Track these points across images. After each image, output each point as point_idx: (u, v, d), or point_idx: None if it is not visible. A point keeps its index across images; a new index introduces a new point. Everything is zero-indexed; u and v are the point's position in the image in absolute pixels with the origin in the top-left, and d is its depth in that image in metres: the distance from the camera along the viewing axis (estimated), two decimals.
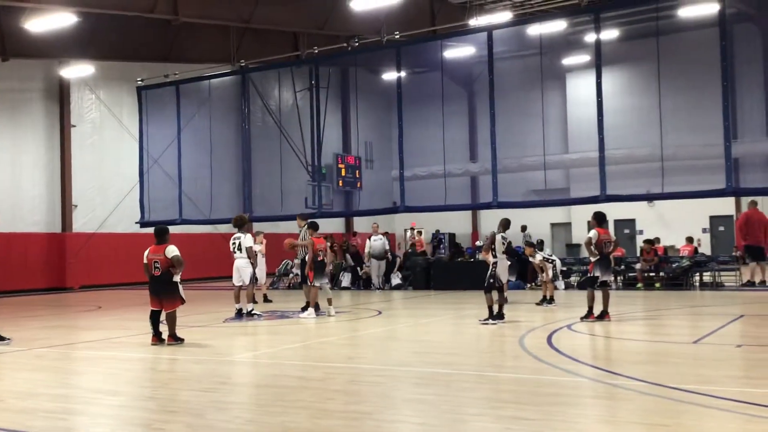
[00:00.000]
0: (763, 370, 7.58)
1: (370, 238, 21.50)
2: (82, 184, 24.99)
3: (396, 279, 21.74)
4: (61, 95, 24.72)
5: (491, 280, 11.76)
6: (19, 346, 10.38)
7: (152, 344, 10.03)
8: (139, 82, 23.21)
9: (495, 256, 11.82)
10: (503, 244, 12.02)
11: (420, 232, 25.03)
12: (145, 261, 10.22)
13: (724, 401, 5.75)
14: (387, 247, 21.69)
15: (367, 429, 5.19)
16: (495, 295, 11.86)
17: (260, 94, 23.62)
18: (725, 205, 28.46)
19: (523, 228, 24.50)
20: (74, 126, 24.94)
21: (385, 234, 22.12)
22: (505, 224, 12.23)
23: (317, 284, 13.47)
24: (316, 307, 13.68)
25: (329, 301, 13.70)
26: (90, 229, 25.12)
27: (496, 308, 11.79)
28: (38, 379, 7.80)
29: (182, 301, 10.23)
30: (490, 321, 11.62)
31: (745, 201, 20.79)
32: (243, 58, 22.58)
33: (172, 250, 10.04)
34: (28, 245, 23.67)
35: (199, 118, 22.68)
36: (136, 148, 23.49)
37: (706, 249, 26.81)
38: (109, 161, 25.74)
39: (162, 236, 10.28)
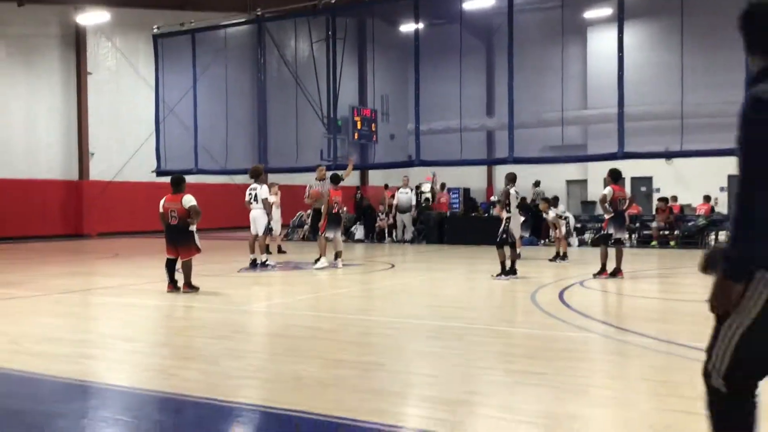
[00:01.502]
0: None
1: (398, 190, 21.64)
2: (99, 132, 25.06)
3: (408, 233, 21.82)
4: (77, 42, 24.64)
5: (504, 235, 11.77)
6: (37, 291, 10.54)
7: (168, 292, 10.16)
8: (155, 30, 23.05)
9: (509, 211, 11.81)
10: (516, 198, 11.99)
11: (443, 186, 24.85)
12: (161, 210, 10.28)
13: None
14: (413, 202, 21.75)
15: (378, 379, 5.25)
16: (507, 250, 11.88)
17: (276, 45, 23.40)
18: None
19: (536, 183, 24.37)
20: (90, 73, 24.91)
21: (416, 188, 22.19)
22: (513, 178, 12.16)
23: (329, 235, 13.60)
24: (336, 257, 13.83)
25: (339, 254, 13.80)
26: (106, 177, 25.28)
27: (508, 264, 11.82)
28: (55, 324, 7.93)
29: (198, 250, 10.32)
30: (503, 276, 11.66)
31: None
32: (259, 7, 22.32)
33: (188, 200, 10.10)
34: (45, 192, 23.88)
35: (214, 67, 22.55)
36: (152, 97, 23.45)
37: (723, 208, 26.61)
38: (125, 110, 25.76)
39: (178, 185, 10.32)
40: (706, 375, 2.66)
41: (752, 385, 2.63)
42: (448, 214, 23.04)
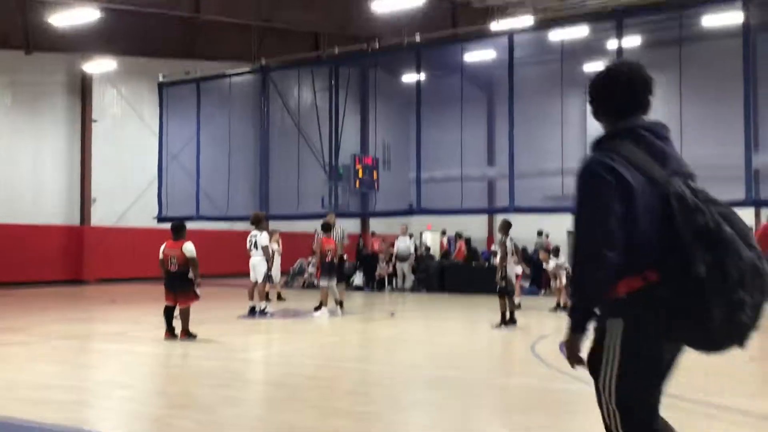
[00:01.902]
0: None
1: (397, 239, 21.70)
2: (102, 178, 25.21)
3: (408, 281, 21.79)
4: (83, 90, 24.96)
5: (503, 283, 11.79)
6: (36, 337, 10.48)
7: (165, 339, 10.10)
8: (161, 79, 23.37)
9: (505, 261, 11.89)
10: (511, 247, 12.16)
11: (460, 236, 24.91)
12: (161, 256, 10.28)
13: (733, 413, 5.70)
14: (412, 250, 21.76)
15: (375, 430, 5.20)
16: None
17: (280, 94, 23.69)
18: (744, 217, 28.14)
19: (539, 233, 24.41)
20: (95, 121, 25.17)
21: (411, 236, 22.27)
22: (506, 227, 12.33)
23: (323, 284, 13.65)
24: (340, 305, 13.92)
25: (340, 303, 13.79)
26: (108, 222, 25.34)
27: (507, 314, 11.79)
28: (52, 370, 7.88)
29: (196, 298, 10.29)
30: (503, 326, 11.60)
31: (765, 213, 20.56)
32: (264, 57, 22.67)
33: (189, 249, 10.10)
34: (47, 237, 23.92)
35: (218, 115, 22.79)
36: (155, 144, 23.64)
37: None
38: (128, 156, 25.94)
39: (179, 232, 10.35)
40: (603, 410, 2.77)
41: (650, 421, 2.75)
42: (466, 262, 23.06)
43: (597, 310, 2.74)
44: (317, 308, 13.74)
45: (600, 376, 2.74)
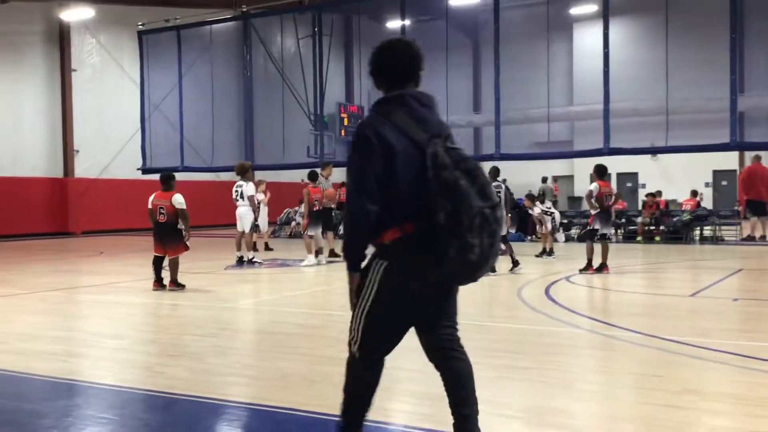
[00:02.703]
0: (758, 323, 7.65)
1: None
2: (84, 130, 24.90)
3: None
4: (61, 39, 24.46)
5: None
6: (22, 289, 10.48)
7: (154, 289, 10.13)
8: (140, 27, 22.91)
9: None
10: (501, 191, 12.24)
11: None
12: (150, 206, 10.23)
13: (718, 353, 5.81)
14: None
15: None
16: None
17: (262, 41, 23.30)
18: (729, 160, 28.37)
19: (544, 179, 24.54)
20: (75, 70, 24.74)
21: None
22: (495, 173, 12.39)
23: (311, 233, 13.67)
24: (316, 254, 13.92)
25: (320, 251, 13.87)
26: (92, 174, 25.13)
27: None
28: (41, 321, 7.89)
29: (186, 248, 10.30)
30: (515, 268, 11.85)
31: (749, 156, 20.69)
32: (245, 4, 22.23)
33: (179, 200, 10.06)
34: (30, 190, 23.72)
35: (200, 64, 22.43)
36: (137, 94, 23.32)
37: (708, 203, 26.82)
38: (110, 107, 25.60)
39: (168, 182, 10.29)
40: (349, 344, 3.30)
41: (381, 353, 3.30)
42: None
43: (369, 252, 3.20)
44: (316, 254, 13.97)
45: (357, 303, 3.22)
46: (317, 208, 13.81)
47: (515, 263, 12.08)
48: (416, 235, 3.08)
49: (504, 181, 12.32)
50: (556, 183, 25.67)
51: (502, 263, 11.93)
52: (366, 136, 3.10)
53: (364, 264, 3.20)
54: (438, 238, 3.01)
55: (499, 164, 22.40)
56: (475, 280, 3.17)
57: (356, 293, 3.22)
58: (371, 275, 3.17)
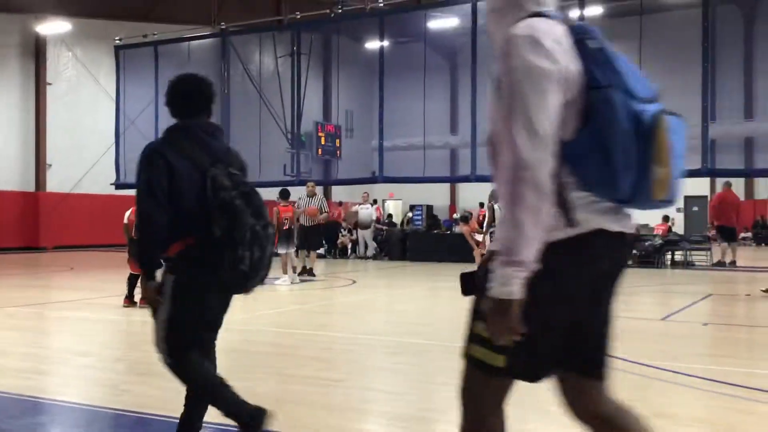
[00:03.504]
0: (727, 348, 7.73)
1: (359, 206, 21.70)
2: (57, 143, 24.66)
3: (370, 249, 21.84)
4: (37, 52, 24.29)
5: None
6: None
7: (124, 306, 10.00)
8: (117, 42, 22.82)
9: (493, 227, 12.18)
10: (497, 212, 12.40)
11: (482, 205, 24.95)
12: (125, 221, 10.11)
13: (688, 378, 5.85)
14: (373, 217, 21.77)
15: (337, 396, 5.23)
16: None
17: (240, 59, 23.32)
18: (700, 186, 28.79)
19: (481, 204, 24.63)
20: (50, 84, 24.55)
21: (374, 203, 22.26)
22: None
23: (281, 252, 13.64)
24: (309, 271, 14.81)
25: (294, 269, 13.87)
26: (64, 189, 24.85)
27: None
28: (9, 337, 7.75)
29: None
30: None
31: (720, 182, 21.01)
32: (224, 21, 22.26)
33: None
34: (1, 203, 23.39)
35: None
36: (112, 109, 23.18)
37: (679, 229, 27.14)
38: (85, 121, 25.40)
39: None
40: (155, 344, 3.61)
41: (191, 347, 3.61)
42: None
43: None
44: (303, 273, 14.50)
45: (157, 317, 3.56)
46: (286, 226, 13.81)
47: None
48: (196, 248, 3.46)
49: None
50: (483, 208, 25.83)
51: None
52: (152, 157, 3.48)
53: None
54: (214, 250, 3.39)
55: (474, 186, 22.66)
56: (246, 289, 3.57)
57: (151, 300, 3.55)
58: (164, 289, 3.51)
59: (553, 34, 2.12)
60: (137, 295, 10.06)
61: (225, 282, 3.48)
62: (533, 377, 2.35)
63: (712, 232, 20.73)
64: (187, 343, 3.59)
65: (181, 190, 3.43)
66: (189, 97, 3.70)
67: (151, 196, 3.41)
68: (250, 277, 3.47)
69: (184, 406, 3.77)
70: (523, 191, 2.05)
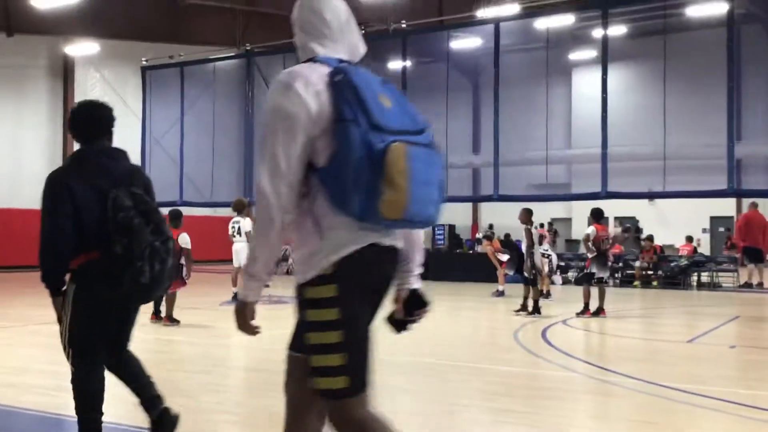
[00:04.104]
0: (755, 371, 7.59)
1: None
2: None
3: None
4: (65, 73, 24.70)
5: (533, 272, 11.88)
6: (14, 322, 10.40)
7: (151, 321, 10.08)
8: (144, 63, 23.15)
9: (532, 248, 12.00)
10: (536, 234, 12.25)
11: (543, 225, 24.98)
12: None
13: (714, 401, 5.76)
14: None
15: None
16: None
17: (265, 79, 23.53)
18: (726, 206, 28.42)
19: (542, 225, 24.53)
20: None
21: None
22: (528, 214, 12.30)
23: None
24: None
25: None
26: None
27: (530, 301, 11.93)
28: (32, 355, 7.82)
29: (184, 284, 10.26)
30: (536, 314, 11.67)
31: (746, 202, 20.76)
32: (249, 42, 22.52)
33: (185, 240, 10.04)
34: (28, 221, 23.67)
35: (202, 100, 22.62)
36: (138, 128, 23.47)
37: (705, 249, 26.79)
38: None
39: (176, 220, 10.29)
40: (68, 360, 3.93)
41: (93, 356, 3.94)
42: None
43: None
44: None
45: (61, 324, 3.87)
46: None
47: (537, 309, 11.91)
48: (99, 262, 3.74)
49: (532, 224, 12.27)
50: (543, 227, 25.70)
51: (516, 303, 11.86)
52: (54, 185, 3.79)
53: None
54: (116, 265, 3.66)
55: (497, 205, 22.56)
56: (147, 300, 3.94)
57: (58, 313, 3.88)
58: (67, 299, 3.83)
59: (307, 79, 2.42)
60: (163, 311, 10.14)
61: (126, 295, 3.77)
62: (367, 384, 2.51)
63: (727, 252, 20.48)
64: (83, 351, 3.88)
65: (83, 211, 3.72)
66: (87, 124, 3.97)
67: (54, 219, 3.74)
68: (152, 289, 3.79)
69: (138, 395, 4.22)
70: (259, 217, 2.44)
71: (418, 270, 2.76)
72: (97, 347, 3.94)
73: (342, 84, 2.40)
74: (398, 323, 2.74)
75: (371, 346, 2.53)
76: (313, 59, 2.54)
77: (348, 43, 2.66)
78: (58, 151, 24.60)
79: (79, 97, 24.90)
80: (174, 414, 4.19)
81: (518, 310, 11.95)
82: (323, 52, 2.57)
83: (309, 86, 2.41)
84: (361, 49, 2.74)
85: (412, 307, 2.69)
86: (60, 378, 6.62)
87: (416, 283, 2.73)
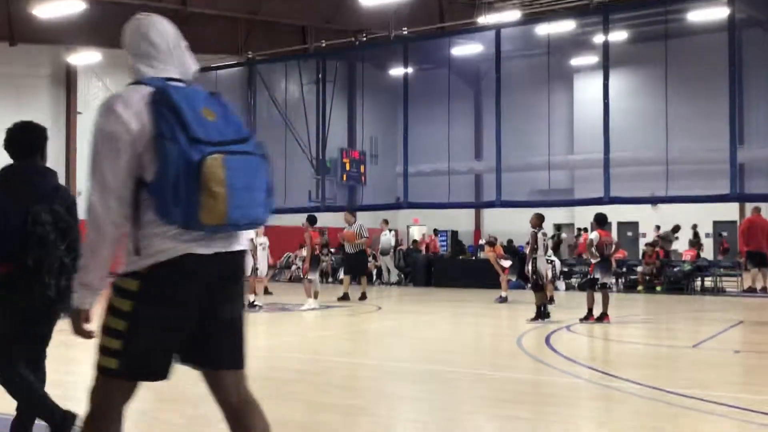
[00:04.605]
0: (760, 376, 7.58)
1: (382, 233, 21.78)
2: (87, 172, 25.05)
3: (393, 275, 21.79)
4: (67, 82, 24.76)
5: (534, 277, 11.87)
6: None
7: None
8: None
9: (536, 253, 11.97)
10: (544, 240, 12.19)
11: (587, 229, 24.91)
12: None
13: (719, 406, 5.75)
14: (392, 243, 21.78)
15: (362, 424, 5.20)
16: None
17: (267, 87, 23.61)
18: (729, 211, 28.40)
19: (558, 228, 24.57)
20: (80, 113, 24.97)
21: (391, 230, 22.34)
22: (540, 221, 12.29)
23: (311, 277, 13.68)
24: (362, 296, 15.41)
25: (315, 294, 13.83)
26: None
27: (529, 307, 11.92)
28: None
29: None
30: (539, 320, 11.64)
31: (750, 207, 20.75)
32: (251, 50, 22.57)
33: None
34: None
35: None
36: None
37: (709, 254, 26.74)
38: None
39: None
40: None
41: (9, 359, 4.11)
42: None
43: None
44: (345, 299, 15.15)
45: None
46: (317, 252, 13.91)
47: (546, 314, 11.92)
48: (12, 273, 3.92)
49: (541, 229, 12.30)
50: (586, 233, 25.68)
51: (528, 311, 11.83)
52: None
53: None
54: (26, 277, 3.88)
55: (499, 211, 22.59)
56: (53, 314, 4.12)
57: None
58: None
59: (126, 101, 2.63)
60: None
61: (33, 306, 4.00)
62: (148, 376, 2.82)
63: (721, 257, 20.47)
64: (5, 355, 4.08)
65: (4, 223, 3.92)
66: (22, 142, 4.21)
67: None
68: (56, 302, 3.99)
69: (16, 410, 4.28)
70: (90, 230, 2.66)
71: None
72: (15, 354, 4.16)
73: (160, 103, 2.59)
74: None
75: (167, 345, 2.78)
76: (139, 81, 2.76)
77: (178, 63, 2.89)
78: (62, 160, 24.64)
79: (81, 106, 24.98)
80: None
81: (534, 318, 11.86)
82: (152, 73, 2.78)
83: (129, 107, 2.61)
84: (193, 67, 2.96)
85: None
86: (67, 388, 6.62)
87: None
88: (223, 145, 2.60)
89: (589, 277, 12.25)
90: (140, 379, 2.83)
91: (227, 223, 2.60)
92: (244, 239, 2.84)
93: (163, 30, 2.91)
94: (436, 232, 27.53)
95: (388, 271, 21.97)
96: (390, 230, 22.16)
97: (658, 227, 23.74)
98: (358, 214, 33.54)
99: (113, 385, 2.80)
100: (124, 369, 2.73)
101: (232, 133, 2.68)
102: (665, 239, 20.93)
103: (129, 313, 2.67)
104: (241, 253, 2.84)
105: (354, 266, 16.33)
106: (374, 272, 22.66)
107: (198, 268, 2.66)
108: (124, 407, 2.88)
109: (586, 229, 22.29)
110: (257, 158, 2.72)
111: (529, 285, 12.02)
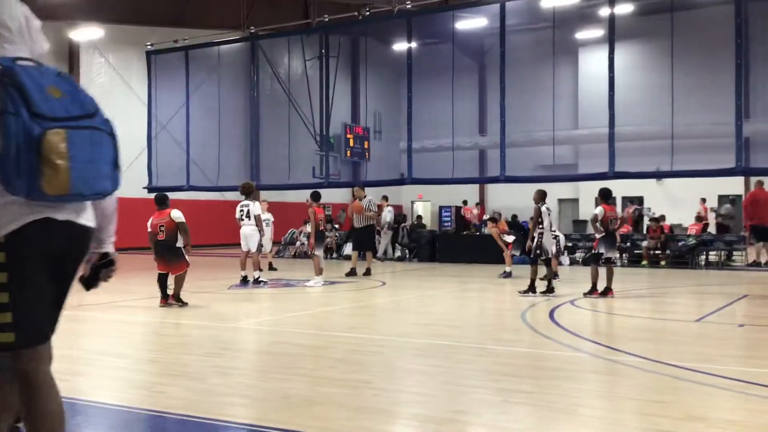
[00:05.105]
0: (763, 349, 7.60)
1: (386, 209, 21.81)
2: None
3: (396, 250, 21.84)
4: (70, 58, 24.69)
5: (537, 252, 11.94)
6: None
7: (161, 306, 10.16)
8: (149, 47, 23.10)
9: (541, 228, 12.03)
10: (548, 215, 12.20)
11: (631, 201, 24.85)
12: (149, 229, 10.33)
13: (722, 379, 5.77)
14: (388, 219, 21.81)
15: (366, 397, 5.24)
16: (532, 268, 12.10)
17: (270, 62, 23.47)
18: (735, 185, 28.32)
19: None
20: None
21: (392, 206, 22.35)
22: (543, 195, 12.33)
23: (317, 253, 13.69)
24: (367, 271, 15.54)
25: (320, 271, 13.85)
26: None
27: (541, 282, 11.96)
28: None
29: (187, 264, 10.36)
30: (530, 293, 11.76)
31: (755, 181, 20.66)
32: (253, 25, 22.41)
33: (178, 215, 10.16)
34: None
35: (207, 84, 22.58)
36: (144, 113, 23.45)
37: (713, 228, 26.72)
38: (117, 126, 25.42)
39: (163, 202, 10.46)
40: None
41: None
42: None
43: None
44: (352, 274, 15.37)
45: None
46: (321, 228, 13.93)
47: (551, 290, 12.06)
48: None
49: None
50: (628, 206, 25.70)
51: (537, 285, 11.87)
52: None
53: None
54: None
55: (504, 186, 22.56)
56: None
57: None
58: None
59: None
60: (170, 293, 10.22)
61: None
62: (43, 339, 2.98)
63: (747, 232, 20.38)
64: None
65: None
66: None
67: None
68: None
69: None
70: None
71: (109, 236, 3.26)
72: None
73: (6, 81, 2.71)
74: (87, 282, 3.24)
75: (46, 306, 2.93)
76: None
77: (29, 43, 3.03)
78: None
79: (84, 82, 24.89)
80: None
81: (525, 291, 11.97)
82: (2, 53, 2.89)
83: None
84: (45, 46, 3.14)
85: (102, 267, 3.24)
86: (73, 362, 6.68)
87: (107, 248, 3.25)
88: (67, 121, 2.75)
89: (593, 251, 12.25)
90: (38, 344, 2.93)
91: (71, 193, 2.75)
92: (91, 214, 3.00)
93: (13, 10, 3.02)
94: (440, 209, 27.44)
95: (392, 247, 22.01)
96: (388, 206, 22.18)
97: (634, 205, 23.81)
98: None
99: (18, 358, 2.88)
100: (24, 341, 2.82)
101: (77, 109, 2.84)
102: (726, 216, 21.05)
103: (7, 285, 2.74)
104: (88, 229, 3.01)
105: (362, 242, 16.42)
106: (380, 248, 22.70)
107: (49, 232, 2.80)
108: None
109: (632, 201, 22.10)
110: (103, 133, 2.95)
111: (533, 260, 12.04)
